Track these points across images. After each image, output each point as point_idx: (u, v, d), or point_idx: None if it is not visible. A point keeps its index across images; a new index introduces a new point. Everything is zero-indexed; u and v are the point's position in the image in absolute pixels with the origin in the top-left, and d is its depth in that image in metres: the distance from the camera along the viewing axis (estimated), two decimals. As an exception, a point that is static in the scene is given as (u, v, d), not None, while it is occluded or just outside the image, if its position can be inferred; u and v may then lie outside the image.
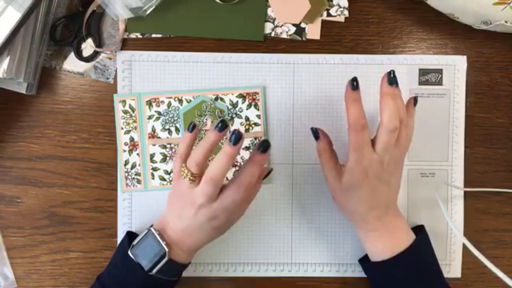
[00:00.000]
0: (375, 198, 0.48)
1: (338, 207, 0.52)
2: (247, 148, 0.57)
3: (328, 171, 0.50)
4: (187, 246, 0.49)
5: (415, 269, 0.49)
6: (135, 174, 0.57)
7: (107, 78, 0.57)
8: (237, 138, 0.44)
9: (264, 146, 0.46)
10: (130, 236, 0.53)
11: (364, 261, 0.55)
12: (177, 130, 0.57)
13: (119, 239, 0.57)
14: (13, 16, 0.49)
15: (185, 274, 0.53)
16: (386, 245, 0.50)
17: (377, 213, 0.49)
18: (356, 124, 0.45)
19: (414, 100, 0.51)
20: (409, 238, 0.50)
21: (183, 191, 0.47)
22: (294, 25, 0.57)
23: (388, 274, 0.50)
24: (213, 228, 0.48)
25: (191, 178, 0.45)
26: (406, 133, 0.48)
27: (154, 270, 0.47)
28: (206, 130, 0.57)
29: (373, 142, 0.47)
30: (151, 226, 0.49)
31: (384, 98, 0.46)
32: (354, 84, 0.46)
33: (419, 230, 0.53)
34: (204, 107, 0.57)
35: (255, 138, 0.57)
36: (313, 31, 0.57)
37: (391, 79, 0.46)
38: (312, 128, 0.52)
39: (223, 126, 0.45)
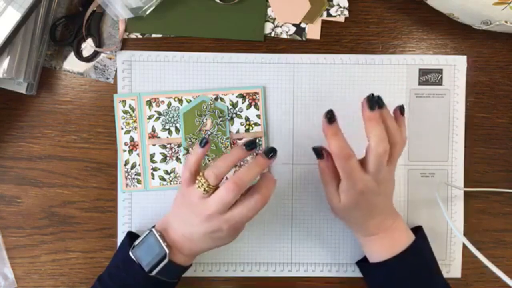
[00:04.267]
0: (373, 210, 0.49)
1: (338, 218, 0.52)
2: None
3: (329, 189, 0.49)
4: (187, 250, 0.49)
5: (415, 269, 0.49)
6: (135, 174, 0.57)
7: (107, 78, 0.57)
8: (274, 152, 0.45)
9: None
10: (131, 236, 0.53)
11: (362, 263, 0.55)
12: (177, 130, 0.57)
13: (119, 239, 0.57)
14: (13, 16, 0.49)
15: (185, 274, 0.53)
16: (385, 246, 0.50)
17: (377, 221, 0.50)
18: (341, 155, 0.44)
19: (400, 109, 0.48)
20: (409, 238, 0.50)
21: (193, 200, 0.46)
22: (294, 25, 0.57)
23: (388, 274, 0.50)
24: (215, 239, 0.47)
25: (207, 189, 0.44)
26: (398, 150, 0.46)
27: (155, 271, 0.47)
28: (206, 130, 0.57)
29: (363, 162, 0.46)
30: (153, 226, 0.49)
31: (369, 124, 0.44)
32: (329, 117, 0.44)
33: (417, 231, 0.53)
34: (204, 107, 0.57)
35: (255, 138, 0.57)
36: (313, 31, 0.57)
37: (372, 103, 0.44)
38: (314, 148, 0.49)
39: (252, 146, 0.45)
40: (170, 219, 0.49)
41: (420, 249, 0.50)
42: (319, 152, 0.48)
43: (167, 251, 0.47)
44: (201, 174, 0.45)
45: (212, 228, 0.46)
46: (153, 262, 0.47)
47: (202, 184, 0.45)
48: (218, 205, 0.44)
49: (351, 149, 0.44)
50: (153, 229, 0.49)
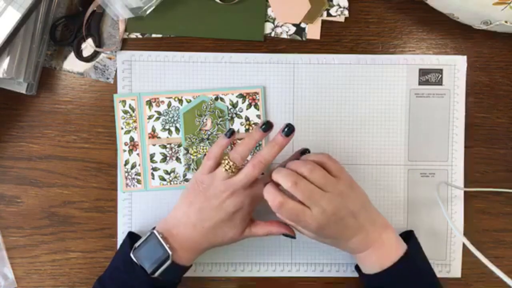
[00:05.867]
0: (346, 232, 0.47)
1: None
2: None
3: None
4: (193, 246, 0.49)
5: (406, 279, 0.48)
6: (135, 174, 0.57)
7: (107, 78, 0.57)
8: (290, 130, 0.47)
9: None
10: (131, 237, 0.53)
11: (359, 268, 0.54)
12: (177, 130, 0.57)
13: (119, 239, 0.57)
14: (13, 16, 0.49)
15: (185, 274, 0.53)
16: (373, 261, 0.49)
17: (356, 240, 0.48)
18: (273, 206, 0.45)
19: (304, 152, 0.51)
20: (399, 249, 0.48)
21: (216, 182, 0.47)
22: (294, 25, 0.57)
23: (379, 285, 0.50)
24: (227, 228, 0.48)
25: (234, 170, 0.47)
26: (332, 164, 0.47)
27: (157, 273, 0.47)
28: (206, 130, 0.57)
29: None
30: (154, 228, 0.49)
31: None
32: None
33: (408, 237, 0.52)
34: (204, 107, 0.57)
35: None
36: (313, 31, 0.57)
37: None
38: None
39: (268, 127, 0.48)
40: (175, 216, 0.49)
41: (412, 259, 0.49)
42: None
43: (170, 253, 0.47)
44: (225, 157, 0.47)
45: (235, 203, 0.47)
46: (156, 264, 0.47)
47: (230, 166, 0.47)
48: (245, 178, 0.47)
49: (283, 198, 0.45)
50: (155, 231, 0.48)
